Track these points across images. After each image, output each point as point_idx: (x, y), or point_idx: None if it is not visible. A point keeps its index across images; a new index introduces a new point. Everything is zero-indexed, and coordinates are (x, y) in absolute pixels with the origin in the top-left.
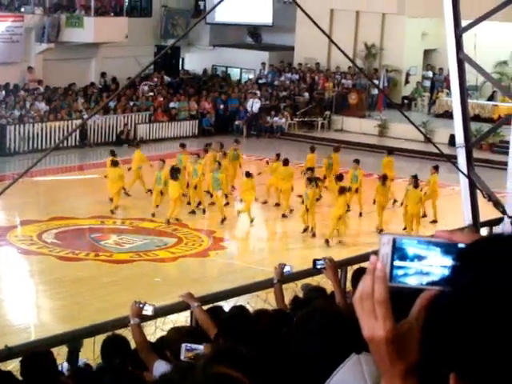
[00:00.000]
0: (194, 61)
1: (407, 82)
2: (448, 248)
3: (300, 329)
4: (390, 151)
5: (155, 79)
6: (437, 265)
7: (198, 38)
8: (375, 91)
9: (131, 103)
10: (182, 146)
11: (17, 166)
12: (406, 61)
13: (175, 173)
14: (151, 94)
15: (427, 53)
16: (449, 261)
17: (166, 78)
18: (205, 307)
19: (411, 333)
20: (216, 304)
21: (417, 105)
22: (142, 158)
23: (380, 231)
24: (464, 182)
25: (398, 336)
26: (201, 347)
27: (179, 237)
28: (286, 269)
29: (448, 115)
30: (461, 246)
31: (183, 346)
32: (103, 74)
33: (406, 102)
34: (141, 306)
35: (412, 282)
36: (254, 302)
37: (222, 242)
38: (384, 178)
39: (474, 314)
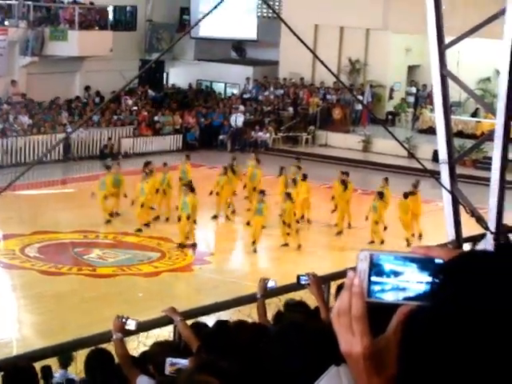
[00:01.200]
0: (178, 75)
1: (391, 97)
2: (425, 264)
3: (276, 343)
4: (406, 195)
5: (139, 93)
6: (413, 281)
7: (182, 52)
8: (359, 106)
9: (115, 117)
10: (187, 157)
11: None
12: (390, 76)
13: (190, 186)
14: (135, 108)
15: (411, 69)
16: (425, 277)
17: (151, 93)
18: (188, 322)
19: (388, 348)
20: (199, 319)
21: (400, 120)
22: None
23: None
24: (447, 198)
25: (375, 352)
26: (185, 361)
27: (163, 251)
28: (270, 284)
29: (431, 131)
30: (438, 261)
31: (167, 360)
32: (87, 88)
33: (390, 117)
34: (123, 320)
35: (389, 297)
36: (237, 316)
37: (205, 256)
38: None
39: (452, 329)
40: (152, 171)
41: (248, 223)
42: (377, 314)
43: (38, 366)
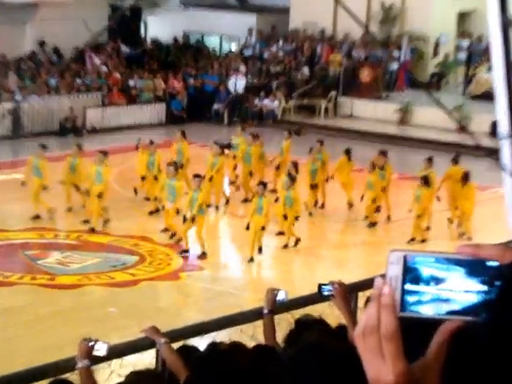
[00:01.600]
0: (159, 26)
1: (436, 53)
2: (474, 267)
3: (290, 370)
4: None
5: (110, 49)
6: (460, 289)
7: None
8: (395, 66)
9: (78, 81)
10: (183, 134)
11: None
12: (435, 26)
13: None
14: (104, 69)
15: (462, 16)
16: (475, 284)
17: (124, 49)
18: (174, 345)
19: (428, 376)
20: (188, 341)
21: (448, 83)
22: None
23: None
24: (509, 183)
25: (411, 380)
26: None
27: (141, 254)
28: (280, 295)
29: (488, 97)
30: (491, 264)
31: None
32: (42, 43)
33: (434, 79)
34: (91, 344)
35: (428, 311)
36: (237, 338)
37: (196, 260)
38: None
39: None
40: (106, 153)
41: (247, 227)
42: (413, 332)
43: None
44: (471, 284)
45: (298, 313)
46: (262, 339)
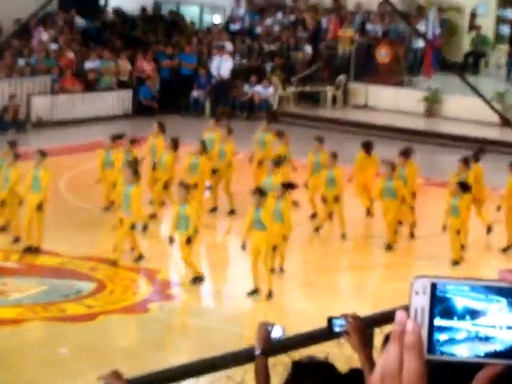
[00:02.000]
0: None
1: (473, 27)
2: None
3: None
4: (477, 156)
5: (61, 23)
6: (502, 325)
7: None
8: (420, 43)
9: (21, 62)
10: (160, 126)
11: None
12: None
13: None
14: (54, 46)
15: None
16: None
17: (80, 21)
18: None
19: None
20: None
21: (488, 65)
22: None
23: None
24: None
25: None
26: None
27: (100, 280)
28: (276, 332)
29: None
30: None
31: None
32: None
33: (470, 60)
34: None
35: (463, 352)
36: None
37: (169, 287)
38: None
39: None
40: (44, 154)
41: (243, 246)
42: (442, 377)
43: None
44: None
45: (299, 354)
46: None
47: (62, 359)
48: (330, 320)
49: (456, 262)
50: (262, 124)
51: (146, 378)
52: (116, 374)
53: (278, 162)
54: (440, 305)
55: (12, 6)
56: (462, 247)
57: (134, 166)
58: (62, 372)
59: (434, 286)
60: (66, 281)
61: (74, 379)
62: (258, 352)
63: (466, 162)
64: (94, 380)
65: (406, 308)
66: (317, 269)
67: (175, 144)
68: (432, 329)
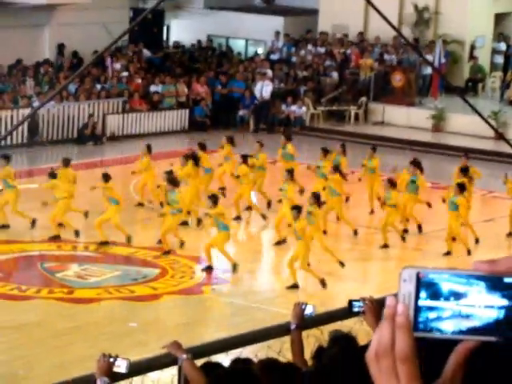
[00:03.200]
0: (183, 30)
1: (472, 57)
2: (495, 282)
3: None
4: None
5: (131, 54)
6: (480, 305)
7: None
8: (428, 70)
9: (98, 86)
10: (148, 148)
11: None
12: (471, 29)
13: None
14: (125, 74)
15: (499, 18)
16: (497, 299)
17: (146, 53)
18: (198, 362)
19: None
20: (212, 358)
21: (485, 89)
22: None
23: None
24: None
25: None
26: None
27: (163, 267)
28: (308, 310)
29: None
30: (508, 280)
31: None
32: (60, 47)
33: (470, 84)
34: (111, 360)
35: (447, 327)
36: (264, 354)
37: (221, 274)
38: None
39: None
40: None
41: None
42: (429, 352)
43: None
44: (492, 299)
45: (327, 328)
46: (289, 356)
47: (132, 332)
48: (350, 302)
49: (469, 252)
50: (281, 140)
51: (201, 348)
52: (176, 344)
53: (292, 171)
54: (429, 288)
55: (90, 41)
56: (454, 239)
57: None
58: (132, 342)
59: (418, 275)
60: (135, 267)
61: (141, 348)
62: (293, 326)
63: (464, 172)
64: (158, 349)
65: (396, 295)
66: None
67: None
68: (417, 310)
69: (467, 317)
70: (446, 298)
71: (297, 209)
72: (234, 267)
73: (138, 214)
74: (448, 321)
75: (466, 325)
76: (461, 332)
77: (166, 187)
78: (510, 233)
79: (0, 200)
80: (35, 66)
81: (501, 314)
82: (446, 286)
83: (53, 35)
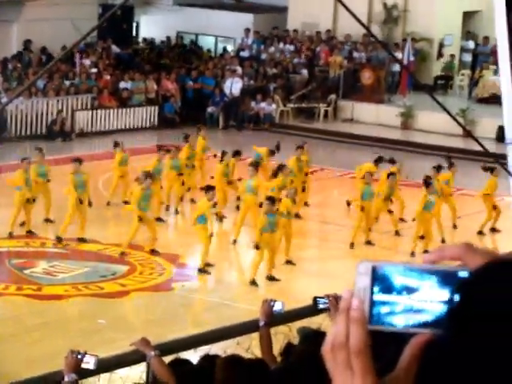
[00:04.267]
0: (152, 26)
1: (440, 55)
2: (447, 277)
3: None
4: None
5: (100, 50)
6: (432, 299)
7: None
8: (397, 68)
9: (67, 82)
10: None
11: None
12: (439, 27)
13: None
14: (94, 70)
15: (467, 16)
16: (447, 294)
17: (115, 49)
18: (166, 358)
19: None
20: (181, 354)
21: (453, 86)
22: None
23: None
24: None
25: None
26: None
27: (132, 263)
28: (277, 306)
29: (495, 100)
30: (463, 274)
31: None
32: (28, 43)
33: (439, 82)
34: (79, 356)
35: (399, 321)
36: (233, 351)
37: (189, 271)
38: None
39: (484, 366)
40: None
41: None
42: (383, 345)
43: None
44: (444, 294)
45: (296, 325)
46: (258, 352)
47: (100, 328)
48: (315, 299)
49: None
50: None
51: (170, 345)
52: (145, 341)
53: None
54: (382, 283)
55: (58, 37)
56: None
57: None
58: (100, 339)
59: (374, 269)
60: (104, 264)
61: (110, 345)
62: (262, 323)
63: (437, 169)
64: (127, 346)
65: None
66: (317, 257)
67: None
68: (373, 304)
69: (419, 311)
70: (399, 293)
71: (270, 199)
72: (205, 267)
73: (108, 210)
74: (400, 315)
75: (417, 319)
76: (412, 326)
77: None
78: (480, 231)
79: None
80: (3, 62)
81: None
82: (399, 281)
83: (21, 31)
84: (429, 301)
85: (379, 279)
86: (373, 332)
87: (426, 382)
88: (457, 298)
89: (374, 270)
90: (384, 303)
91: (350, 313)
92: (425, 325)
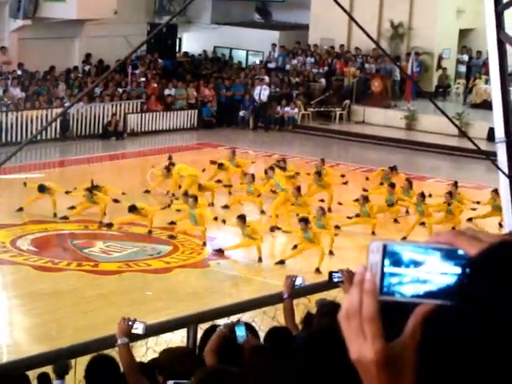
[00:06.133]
0: (193, 41)
1: (440, 66)
2: (449, 253)
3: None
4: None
5: (148, 62)
6: (436, 272)
7: (197, 14)
8: (402, 77)
9: (120, 90)
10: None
11: None
12: (439, 42)
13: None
14: (143, 79)
15: (463, 33)
16: (450, 267)
17: (161, 61)
18: (204, 325)
19: (405, 354)
20: (216, 322)
21: (450, 94)
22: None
23: None
24: (505, 183)
25: (389, 358)
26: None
27: (175, 244)
28: (298, 281)
29: (487, 105)
30: (461, 252)
31: (169, 383)
32: (88, 56)
33: (440, 90)
34: (130, 323)
35: (407, 291)
36: (260, 319)
37: (224, 250)
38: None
39: (484, 334)
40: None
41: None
42: (391, 314)
43: (32, 374)
44: (447, 266)
45: (315, 297)
46: (282, 320)
47: (147, 299)
48: (330, 273)
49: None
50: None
51: (207, 314)
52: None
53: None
54: (392, 257)
55: (113, 51)
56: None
57: None
58: (148, 308)
59: (385, 247)
60: (151, 244)
61: (156, 313)
62: (285, 296)
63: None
64: (171, 314)
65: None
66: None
67: None
68: (383, 278)
69: (424, 282)
70: (407, 266)
71: (304, 220)
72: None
73: (158, 198)
74: (408, 285)
75: (423, 289)
76: (419, 295)
77: None
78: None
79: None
80: (67, 72)
81: (453, 279)
82: (406, 256)
83: (82, 46)
84: (433, 273)
85: (389, 255)
86: (383, 304)
87: (429, 346)
88: (467, 271)
89: (385, 248)
90: (393, 274)
91: (364, 284)
92: (430, 294)
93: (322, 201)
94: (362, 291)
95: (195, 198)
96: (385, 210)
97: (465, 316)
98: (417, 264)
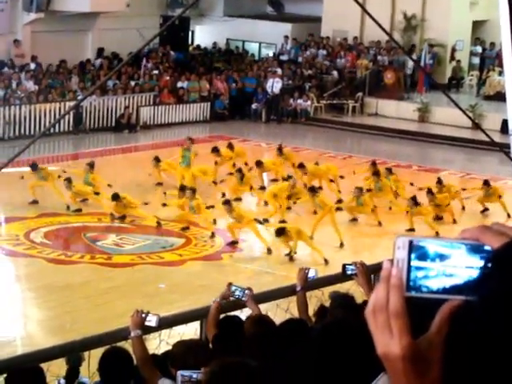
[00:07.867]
0: (205, 34)
1: (453, 58)
2: (474, 247)
3: (318, 345)
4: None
5: (160, 55)
6: (462, 265)
7: (210, 7)
8: (415, 70)
9: (133, 82)
10: (190, 139)
11: (0, 153)
12: (452, 34)
13: None
14: (156, 72)
15: (476, 24)
16: (475, 261)
17: (173, 54)
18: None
19: (432, 349)
20: (230, 313)
21: (463, 85)
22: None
23: None
24: None
25: (416, 353)
26: (197, 374)
27: (188, 237)
28: (311, 274)
29: (500, 97)
30: (487, 247)
31: (178, 374)
32: (101, 49)
33: (453, 82)
34: (143, 315)
35: (433, 285)
36: (274, 311)
37: (237, 243)
38: None
39: (504, 326)
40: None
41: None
42: (418, 310)
43: (45, 367)
44: (472, 260)
45: (328, 290)
46: (295, 313)
47: (161, 291)
48: (344, 266)
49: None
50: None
51: (222, 305)
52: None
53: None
54: (417, 252)
55: (126, 44)
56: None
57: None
58: (161, 301)
59: (411, 242)
60: (164, 237)
61: (169, 306)
62: (298, 288)
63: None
64: (183, 306)
65: (391, 260)
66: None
67: None
68: (409, 273)
69: (450, 275)
70: (433, 260)
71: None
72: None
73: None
74: (434, 279)
75: (449, 283)
76: (445, 289)
77: None
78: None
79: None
80: (80, 65)
81: (479, 273)
82: (432, 249)
83: (95, 39)
84: (459, 267)
85: (415, 250)
86: (409, 301)
87: (455, 341)
88: (489, 265)
89: (411, 243)
90: (420, 268)
91: (390, 280)
92: (456, 288)
93: (321, 188)
94: (389, 287)
95: (193, 191)
96: (377, 195)
97: (486, 309)
98: (443, 258)
